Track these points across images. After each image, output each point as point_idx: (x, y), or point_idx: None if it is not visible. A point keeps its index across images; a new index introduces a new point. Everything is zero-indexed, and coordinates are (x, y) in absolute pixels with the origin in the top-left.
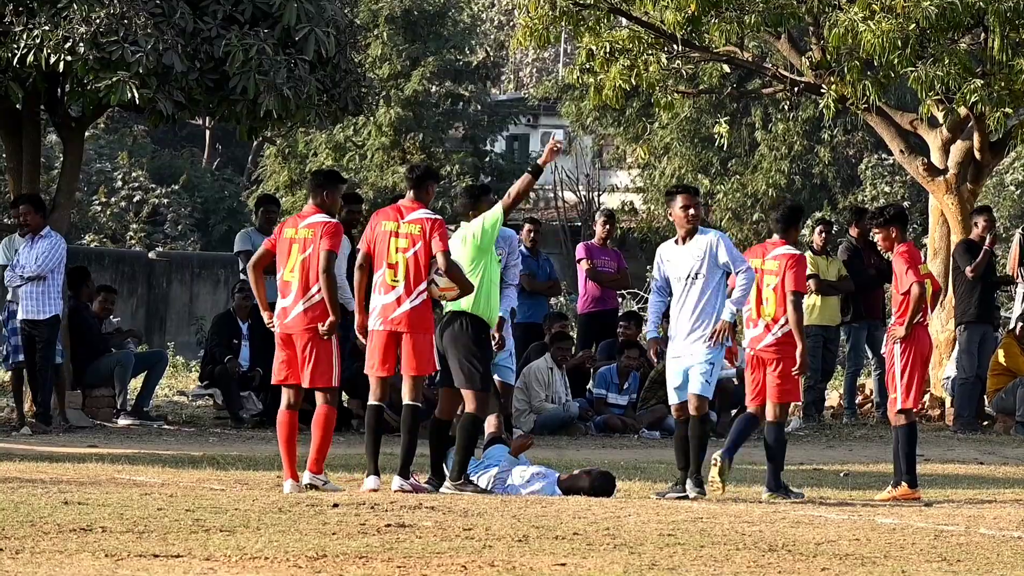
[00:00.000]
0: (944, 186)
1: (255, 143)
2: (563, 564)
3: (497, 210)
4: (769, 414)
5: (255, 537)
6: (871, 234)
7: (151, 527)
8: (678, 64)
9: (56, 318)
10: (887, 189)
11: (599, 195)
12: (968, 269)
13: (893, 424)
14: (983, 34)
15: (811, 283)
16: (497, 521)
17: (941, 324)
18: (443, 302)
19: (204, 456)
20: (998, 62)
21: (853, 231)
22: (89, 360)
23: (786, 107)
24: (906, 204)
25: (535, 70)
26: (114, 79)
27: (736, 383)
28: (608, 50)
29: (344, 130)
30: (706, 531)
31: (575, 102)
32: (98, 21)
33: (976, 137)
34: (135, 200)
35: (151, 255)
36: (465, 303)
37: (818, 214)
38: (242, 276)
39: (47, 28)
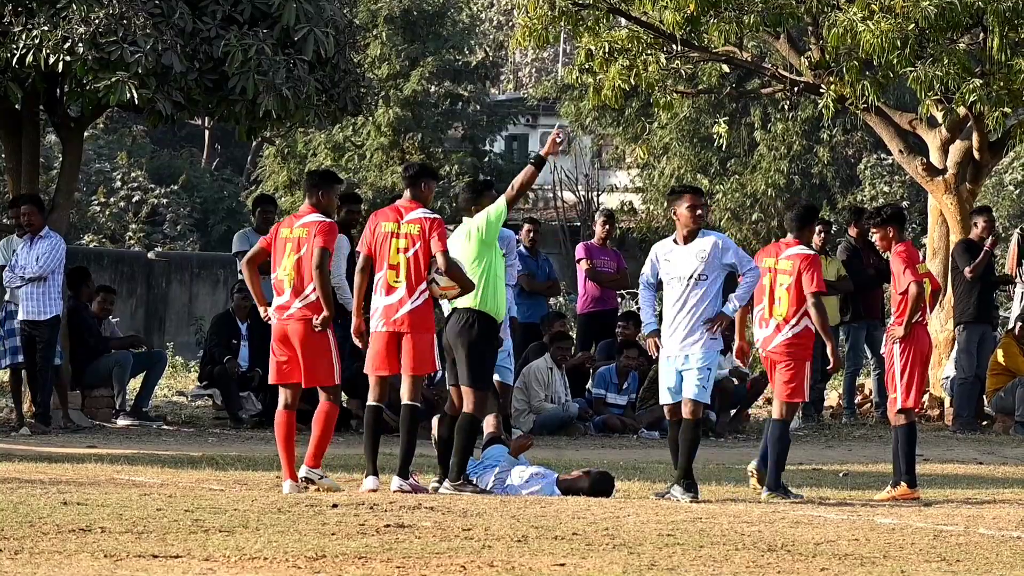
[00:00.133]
0: (943, 186)
1: (254, 143)
2: (562, 564)
3: (501, 203)
4: (775, 412)
5: (254, 537)
6: (870, 234)
7: (150, 527)
8: (677, 64)
9: (57, 319)
10: (886, 189)
11: (598, 195)
12: (967, 270)
13: (893, 424)
14: (982, 34)
15: None
16: (496, 521)
17: (940, 324)
18: (443, 301)
19: (203, 456)
20: (997, 62)
21: (852, 231)
22: (88, 361)
23: (785, 107)
24: (905, 204)
25: (534, 70)
26: (113, 79)
27: (736, 383)
28: (607, 50)
29: (343, 130)
30: (705, 531)
31: (574, 102)
32: (97, 21)
33: (975, 137)
34: (134, 200)
35: (150, 255)
36: (471, 300)
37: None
38: (240, 276)
39: (46, 28)
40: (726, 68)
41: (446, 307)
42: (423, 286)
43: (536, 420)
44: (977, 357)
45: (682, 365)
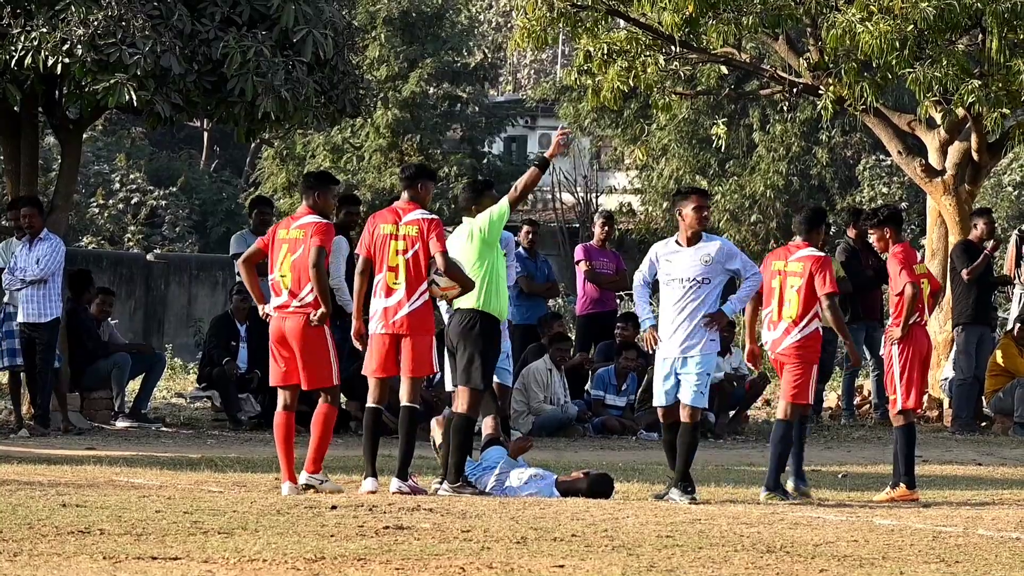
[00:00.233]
0: (942, 187)
1: (253, 145)
2: (561, 566)
3: (504, 203)
4: (779, 412)
5: (253, 539)
6: (868, 235)
7: (149, 529)
8: (676, 65)
9: (57, 321)
10: (885, 190)
11: (597, 196)
12: (964, 272)
13: (894, 425)
14: (981, 35)
15: None
16: (495, 523)
17: (939, 325)
18: (442, 303)
19: (202, 458)
20: (996, 63)
21: (851, 232)
22: (87, 363)
23: (784, 108)
24: (904, 205)
25: (533, 72)
26: (112, 81)
27: (735, 385)
28: (606, 51)
29: (342, 132)
30: (704, 533)
31: (573, 103)
32: (96, 23)
33: (974, 138)
34: (133, 202)
35: (149, 257)
36: (473, 301)
37: None
38: (238, 278)
39: (45, 30)
40: (725, 69)
41: (444, 308)
42: (422, 288)
43: (535, 422)
44: (976, 358)
45: (681, 368)
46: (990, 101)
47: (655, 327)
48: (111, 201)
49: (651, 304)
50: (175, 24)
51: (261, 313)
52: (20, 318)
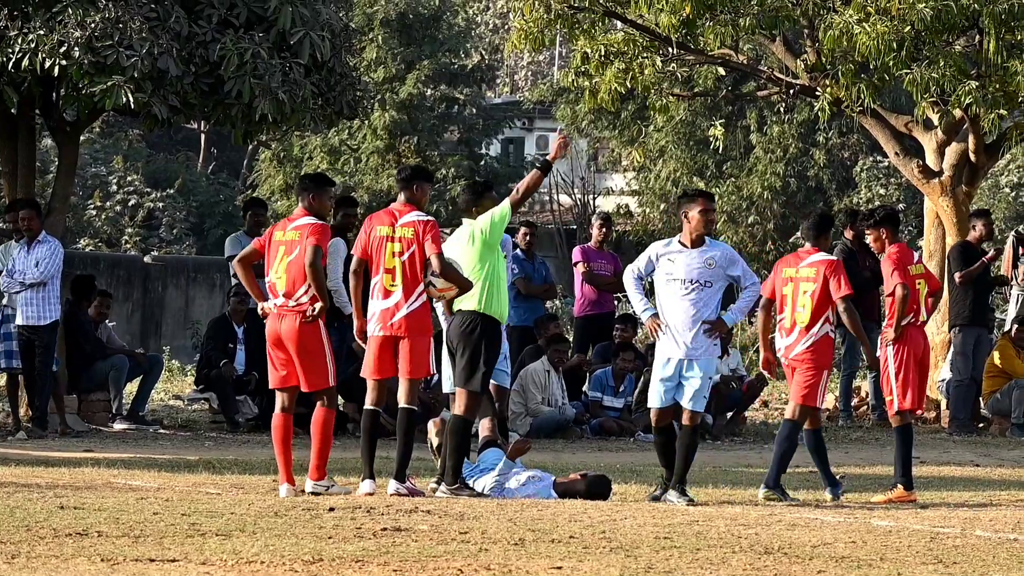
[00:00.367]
0: (939, 188)
1: (250, 147)
2: (559, 567)
3: (505, 205)
4: (788, 412)
5: (251, 541)
6: (865, 236)
7: (147, 531)
8: (673, 67)
9: (56, 324)
10: (882, 191)
11: (594, 198)
12: (957, 276)
13: (893, 426)
14: (978, 36)
15: None
16: (493, 525)
17: (936, 326)
18: (438, 304)
19: (200, 460)
20: (993, 64)
21: (848, 233)
22: (84, 365)
23: (781, 110)
24: (901, 206)
25: (530, 73)
26: (109, 83)
27: (732, 387)
28: (603, 53)
29: (339, 134)
30: (702, 534)
31: (570, 105)
32: (93, 25)
33: (971, 139)
34: (130, 204)
35: (146, 259)
36: (474, 302)
37: None
38: (233, 280)
39: (42, 32)
40: (722, 71)
41: (440, 310)
42: (419, 289)
43: (533, 423)
44: (973, 359)
45: (686, 372)
46: (987, 102)
47: (656, 316)
48: (108, 203)
49: (646, 296)
50: (172, 26)
51: (260, 311)
52: (19, 320)
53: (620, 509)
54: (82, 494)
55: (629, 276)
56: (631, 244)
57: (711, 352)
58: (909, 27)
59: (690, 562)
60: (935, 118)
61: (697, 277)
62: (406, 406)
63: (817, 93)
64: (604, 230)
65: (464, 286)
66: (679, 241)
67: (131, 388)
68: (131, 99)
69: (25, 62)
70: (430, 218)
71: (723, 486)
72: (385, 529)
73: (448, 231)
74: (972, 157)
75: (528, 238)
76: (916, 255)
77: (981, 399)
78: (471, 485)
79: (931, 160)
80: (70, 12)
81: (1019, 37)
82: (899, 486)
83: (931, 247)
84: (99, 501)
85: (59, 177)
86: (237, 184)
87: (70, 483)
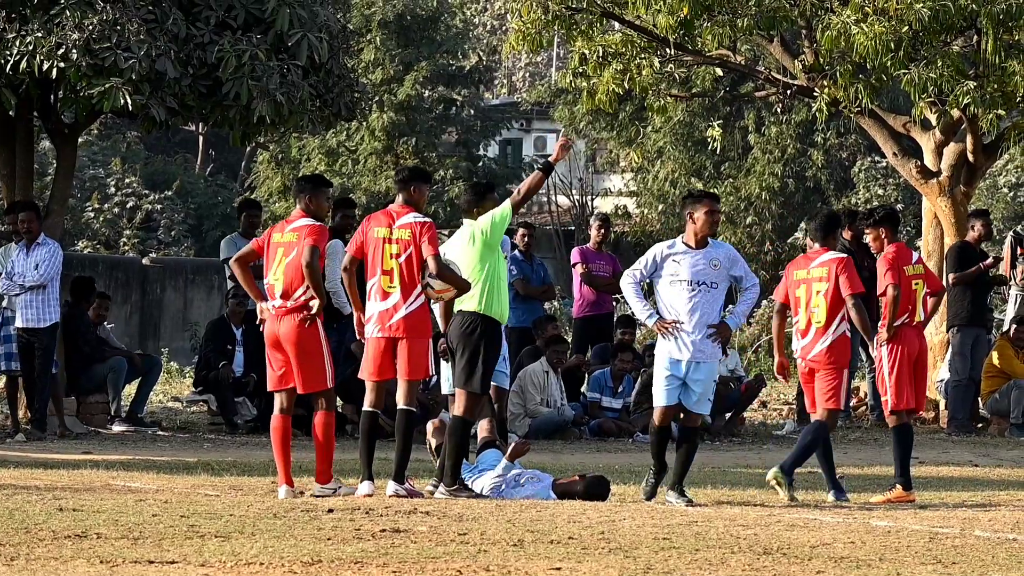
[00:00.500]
0: (937, 188)
1: (248, 149)
2: (558, 568)
3: (506, 206)
4: (818, 415)
5: (250, 543)
6: (863, 236)
7: (146, 533)
8: (671, 68)
9: (55, 326)
10: (880, 192)
11: (593, 199)
12: (950, 277)
13: (890, 426)
14: (975, 36)
15: None
16: (492, 526)
17: (935, 327)
18: (435, 305)
19: (199, 462)
20: (991, 64)
21: (846, 234)
22: (83, 367)
23: (779, 110)
24: (899, 207)
25: (528, 74)
26: (107, 85)
27: (731, 387)
28: (601, 54)
29: (337, 135)
30: (701, 535)
31: (568, 106)
32: (91, 28)
33: (969, 139)
34: (128, 206)
35: (145, 261)
36: (475, 303)
37: None
38: (230, 283)
39: (40, 35)
40: (720, 72)
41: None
42: (417, 291)
43: (531, 424)
44: (971, 360)
45: (693, 374)
46: (985, 102)
47: (663, 320)
48: (106, 205)
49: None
50: (170, 28)
51: (260, 311)
52: (18, 323)
53: (619, 510)
54: (81, 496)
55: (628, 282)
56: (629, 245)
57: (716, 355)
58: (907, 27)
59: (689, 563)
60: (933, 118)
61: (703, 279)
62: (405, 407)
63: (815, 94)
64: (602, 231)
65: (462, 287)
66: (683, 242)
67: (130, 390)
68: (129, 101)
69: (23, 64)
70: (427, 219)
71: (722, 487)
72: (384, 530)
73: (446, 232)
74: (970, 157)
75: (526, 239)
76: (916, 255)
77: (980, 399)
78: (470, 486)
79: (929, 160)
80: (68, 14)
81: (1017, 37)
82: (898, 486)
83: (929, 247)
84: (98, 503)
85: (57, 179)
86: (235, 186)
87: (69, 485)
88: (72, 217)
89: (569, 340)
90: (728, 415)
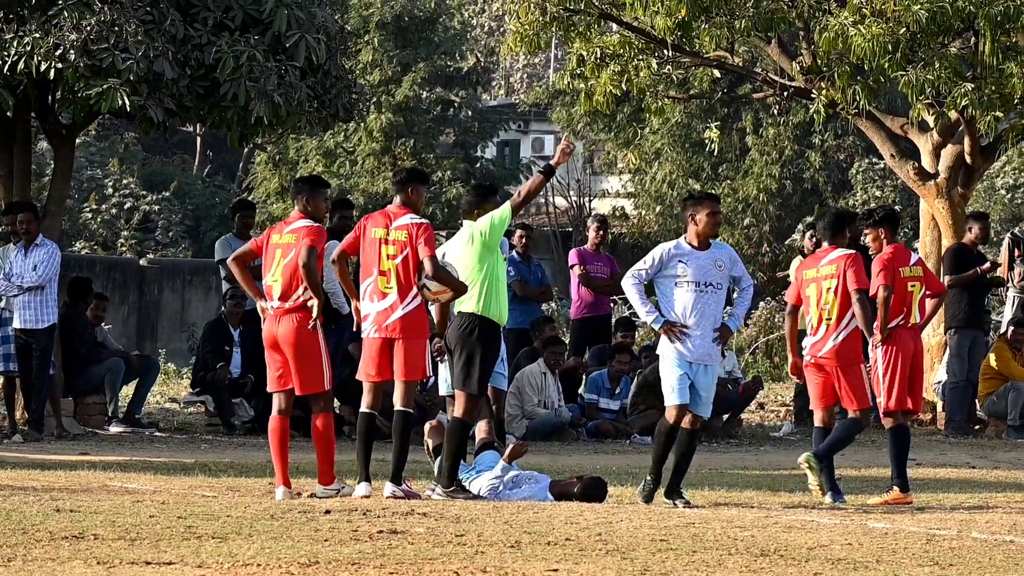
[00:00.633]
0: (935, 190)
1: (246, 150)
2: (555, 570)
3: (506, 208)
4: (853, 415)
5: (247, 544)
6: (862, 237)
7: (143, 534)
8: (668, 69)
9: (53, 327)
10: (878, 193)
11: (590, 201)
12: (946, 279)
13: (886, 428)
14: (973, 38)
15: None
16: (489, 527)
17: (932, 328)
18: (432, 306)
19: (196, 463)
20: (988, 66)
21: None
22: (80, 368)
23: (776, 112)
24: (897, 208)
25: (526, 76)
26: (105, 86)
27: (729, 389)
28: (599, 55)
29: (335, 136)
30: (698, 536)
31: (566, 108)
32: (88, 28)
33: (967, 141)
34: (126, 207)
35: (142, 262)
36: (474, 305)
37: (809, 219)
38: (225, 284)
39: (38, 35)
40: (717, 73)
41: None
42: (414, 292)
43: (529, 426)
44: (969, 361)
45: (699, 377)
46: (983, 104)
47: (668, 321)
48: (104, 206)
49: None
50: (168, 29)
51: (259, 309)
52: (16, 324)
53: (616, 511)
54: (78, 497)
55: (631, 282)
56: (627, 246)
57: (718, 356)
58: (904, 29)
59: (686, 564)
60: (931, 120)
61: (708, 280)
62: (402, 408)
63: (813, 95)
64: (600, 232)
65: (458, 289)
66: (687, 243)
67: (127, 391)
68: (127, 102)
69: (21, 65)
70: (424, 221)
71: (719, 488)
72: (381, 532)
73: (444, 234)
74: (968, 159)
75: (524, 240)
76: (915, 257)
77: (977, 401)
78: (467, 487)
79: (927, 162)
80: (66, 15)
81: (1014, 39)
82: (895, 488)
83: (927, 249)
84: (95, 504)
85: (55, 180)
86: (233, 187)
87: (66, 486)
88: (70, 218)
89: (567, 341)
90: (726, 417)
